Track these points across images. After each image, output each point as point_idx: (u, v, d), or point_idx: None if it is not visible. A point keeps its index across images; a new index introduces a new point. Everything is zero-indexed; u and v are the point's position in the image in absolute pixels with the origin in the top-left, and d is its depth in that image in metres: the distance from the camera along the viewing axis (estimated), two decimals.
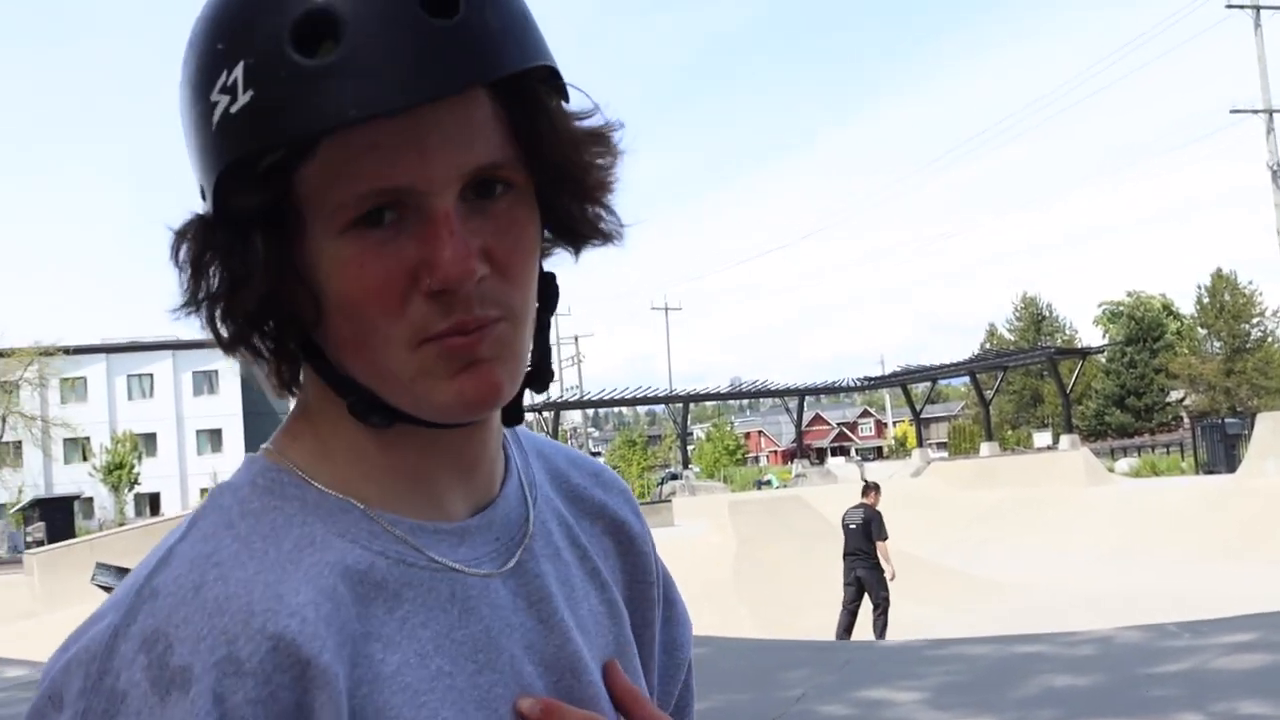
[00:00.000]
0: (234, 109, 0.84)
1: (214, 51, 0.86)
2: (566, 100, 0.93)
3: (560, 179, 0.93)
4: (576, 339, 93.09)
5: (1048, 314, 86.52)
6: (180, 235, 0.89)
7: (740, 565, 19.48)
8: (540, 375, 0.99)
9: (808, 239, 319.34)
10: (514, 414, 1.01)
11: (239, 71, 0.84)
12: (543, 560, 1.02)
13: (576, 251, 1.01)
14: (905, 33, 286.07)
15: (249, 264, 0.87)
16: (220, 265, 0.88)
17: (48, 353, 62.32)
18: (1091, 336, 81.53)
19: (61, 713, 0.80)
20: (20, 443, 64.22)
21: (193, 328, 0.93)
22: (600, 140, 0.95)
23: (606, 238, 1.00)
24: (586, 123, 0.94)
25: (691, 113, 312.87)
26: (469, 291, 0.87)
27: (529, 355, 0.95)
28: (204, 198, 0.89)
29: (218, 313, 0.89)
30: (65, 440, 68.11)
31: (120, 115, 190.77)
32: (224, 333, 0.90)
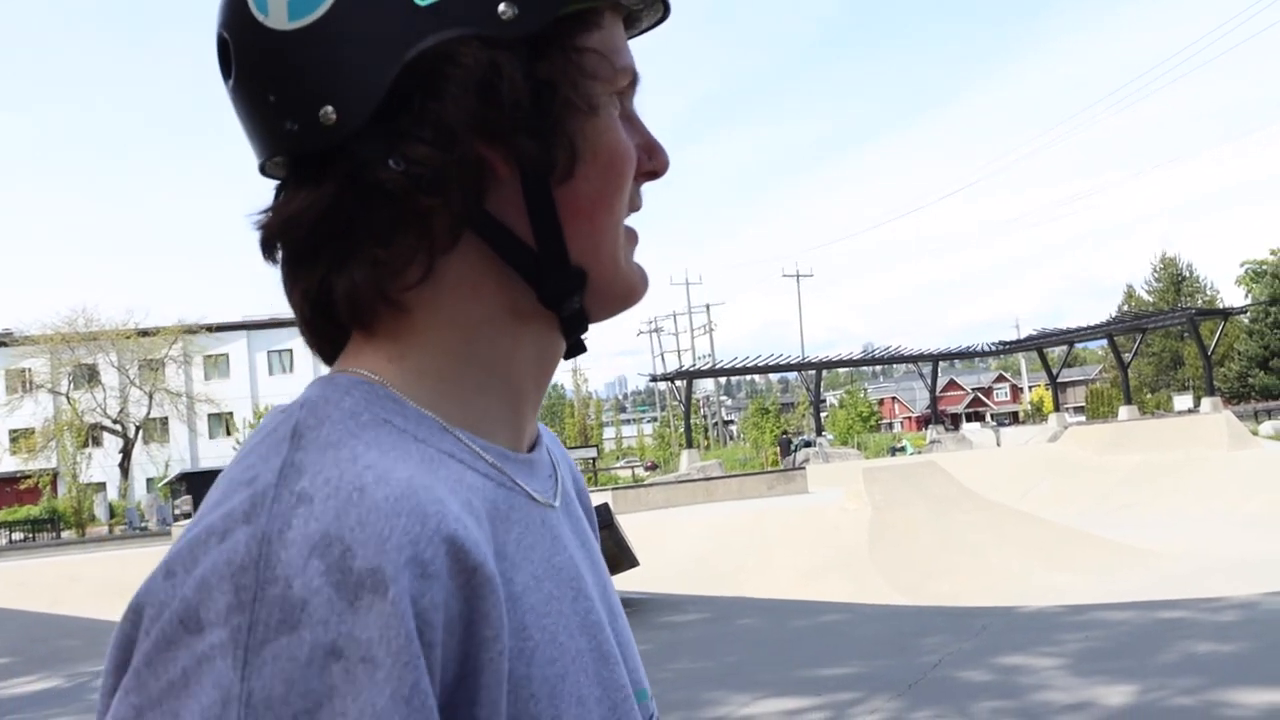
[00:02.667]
0: None
1: None
2: None
3: None
4: (708, 307, 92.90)
5: (1188, 274, 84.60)
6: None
7: (875, 532, 19.39)
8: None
9: (939, 204, 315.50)
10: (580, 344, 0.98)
11: None
12: (573, 501, 1.02)
13: None
14: None
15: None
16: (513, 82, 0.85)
17: (191, 331, 64.01)
18: (1234, 297, 79.29)
19: (204, 633, 0.69)
20: (167, 419, 66.14)
21: None
22: None
23: None
24: None
25: (824, 79, 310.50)
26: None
27: None
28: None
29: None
30: (209, 415, 70.05)
31: None
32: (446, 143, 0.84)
